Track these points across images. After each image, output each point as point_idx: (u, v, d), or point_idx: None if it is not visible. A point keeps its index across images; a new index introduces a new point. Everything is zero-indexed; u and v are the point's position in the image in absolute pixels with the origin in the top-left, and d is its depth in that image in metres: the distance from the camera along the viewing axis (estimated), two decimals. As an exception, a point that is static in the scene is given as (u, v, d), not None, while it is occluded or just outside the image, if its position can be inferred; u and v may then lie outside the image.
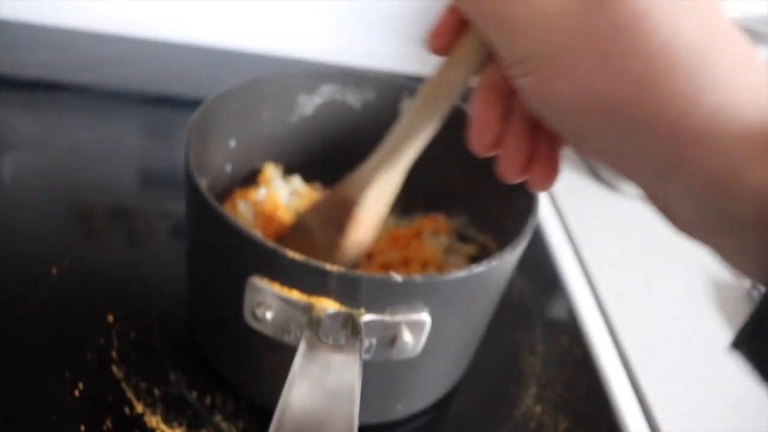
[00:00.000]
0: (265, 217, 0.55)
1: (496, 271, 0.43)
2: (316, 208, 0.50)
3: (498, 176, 0.34)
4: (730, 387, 0.61)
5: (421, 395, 0.51)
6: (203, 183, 0.43)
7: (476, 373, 0.56)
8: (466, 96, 0.37)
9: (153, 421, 0.47)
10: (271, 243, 0.38)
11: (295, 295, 0.39)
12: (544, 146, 0.33)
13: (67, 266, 0.56)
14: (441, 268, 0.57)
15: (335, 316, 0.38)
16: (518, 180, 0.33)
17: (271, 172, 0.60)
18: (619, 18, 0.24)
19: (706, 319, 0.69)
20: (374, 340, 0.40)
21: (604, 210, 0.82)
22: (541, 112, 0.28)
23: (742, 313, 0.70)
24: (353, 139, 0.60)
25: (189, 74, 0.86)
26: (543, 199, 0.81)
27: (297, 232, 0.52)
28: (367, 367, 0.43)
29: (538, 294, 0.67)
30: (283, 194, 0.58)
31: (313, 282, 0.38)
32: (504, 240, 0.44)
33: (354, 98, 0.58)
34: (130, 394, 0.48)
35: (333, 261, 0.42)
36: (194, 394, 0.49)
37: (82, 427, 0.45)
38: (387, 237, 0.58)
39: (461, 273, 0.40)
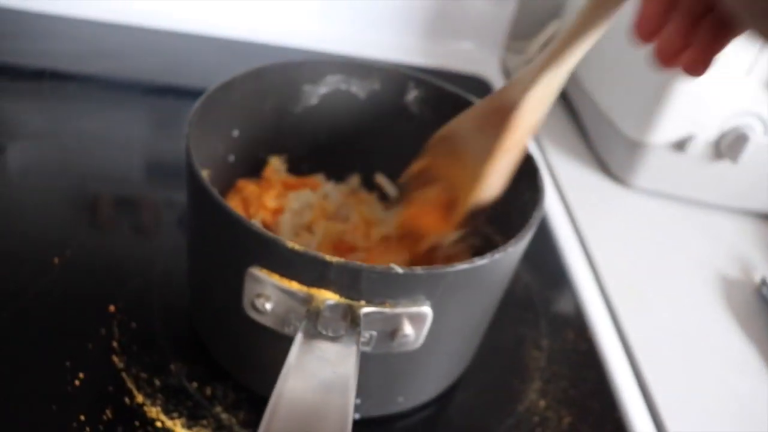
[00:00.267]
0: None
1: (499, 264, 0.43)
2: (468, 116, 0.48)
3: (653, 62, 0.36)
4: (736, 383, 0.61)
5: (423, 388, 0.50)
6: (205, 173, 0.43)
7: (480, 367, 0.55)
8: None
9: (153, 411, 0.47)
10: (270, 233, 0.38)
11: (294, 286, 0.38)
12: (700, 38, 0.35)
13: (70, 256, 0.56)
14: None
15: (335, 307, 0.38)
16: (671, 66, 0.36)
17: (276, 165, 0.59)
18: None
19: (714, 315, 0.68)
20: (375, 333, 0.40)
21: (612, 204, 0.81)
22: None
23: (751, 309, 0.69)
24: (358, 130, 0.60)
25: (195, 64, 0.86)
26: (550, 193, 0.80)
27: (445, 140, 0.50)
28: (368, 360, 0.43)
29: (543, 288, 0.66)
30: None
31: (313, 273, 0.38)
32: (509, 233, 0.44)
33: (359, 88, 0.58)
34: (130, 384, 0.48)
35: (483, 170, 0.45)
36: (195, 384, 0.49)
37: (82, 417, 0.45)
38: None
39: (464, 266, 0.39)
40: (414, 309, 0.39)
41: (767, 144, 0.75)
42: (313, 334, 0.35)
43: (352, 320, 0.37)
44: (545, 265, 0.70)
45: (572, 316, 0.64)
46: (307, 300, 0.38)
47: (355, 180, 0.63)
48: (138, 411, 0.46)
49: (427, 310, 0.40)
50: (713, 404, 0.58)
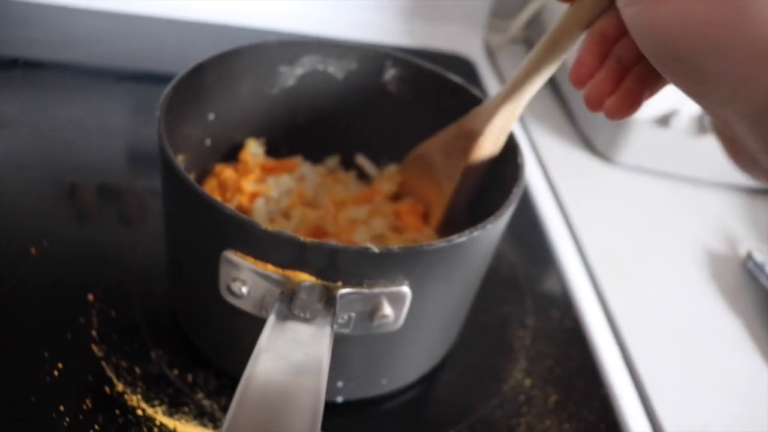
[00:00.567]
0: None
1: (479, 242, 0.42)
2: (438, 140, 0.54)
3: (586, 106, 0.39)
4: (722, 358, 0.61)
5: (406, 370, 0.50)
6: (181, 158, 0.42)
7: (464, 347, 0.55)
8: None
9: (134, 399, 0.46)
10: (243, 216, 0.37)
11: (270, 268, 0.38)
12: (625, 85, 0.37)
13: (47, 245, 0.55)
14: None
15: (311, 289, 0.37)
16: (598, 109, 0.38)
17: (254, 148, 0.59)
18: None
19: (700, 289, 0.68)
20: (353, 314, 0.39)
21: (597, 181, 0.81)
22: (642, 36, 0.31)
23: (736, 284, 0.69)
24: (336, 110, 0.59)
25: (172, 49, 0.85)
26: (535, 171, 0.80)
27: (418, 159, 0.56)
28: (349, 342, 0.42)
29: (528, 267, 0.66)
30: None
31: (288, 255, 0.37)
32: (490, 210, 0.43)
33: (336, 68, 0.57)
34: (110, 373, 0.47)
35: (448, 190, 0.52)
36: (175, 372, 0.48)
37: (62, 408, 0.44)
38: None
39: (441, 243, 0.39)
40: (392, 289, 0.39)
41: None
42: (286, 316, 0.35)
43: (327, 301, 0.37)
44: (530, 243, 0.69)
45: (557, 295, 0.64)
46: (283, 282, 0.37)
47: (333, 161, 0.62)
48: (118, 399, 0.46)
49: (405, 289, 0.39)
50: (700, 379, 0.58)
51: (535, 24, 1.04)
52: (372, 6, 0.99)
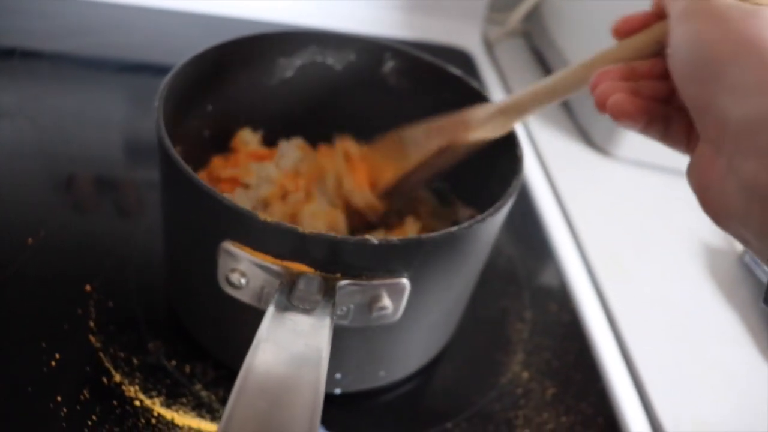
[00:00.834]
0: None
1: (478, 233, 0.42)
2: (425, 125, 0.53)
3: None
4: (718, 351, 0.61)
5: (404, 362, 0.50)
6: (179, 149, 0.42)
7: (462, 340, 0.55)
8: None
9: (131, 390, 0.46)
10: (242, 207, 0.37)
11: (269, 260, 0.38)
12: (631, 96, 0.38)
13: (44, 236, 0.55)
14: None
15: (310, 280, 0.37)
16: (601, 101, 0.38)
17: (246, 136, 0.58)
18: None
19: (697, 284, 0.68)
20: (352, 306, 0.39)
21: (595, 175, 0.81)
22: (681, 46, 0.34)
23: (733, 278, 0.69)
24: (335, 102, 0.59)
25: (170, 40, 0.84)
26: (533, 164, 0.80)
27: (395, 137, 0.55)
28: (347, 334, 0.42)
29: (526, 260, 0.66)
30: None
31: (287, 246, 0.37)
32: (489, 203, 0.43)
33: (335, 60, 0.57)
34: (107, 364, 0.47)
35: (421, 154, 0.51)
36: (173, 363, 0.48)
37: (59, 398, 0.44)
38: None
39: (441, 234, 0.38)
40: (391, 280, 0.39)
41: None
42: (285, 307, 0.35)
43: (326, 292, 0.37)
44: (528, 236, 0.69)
45: (555, 288, 0.64)
46: (282, 274, 0.37)
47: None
48: (116, 390, 0.46)
49: (404, 281, 0.39)
50: (696, 372, 0.58)
51: (533, 17, 1.04)
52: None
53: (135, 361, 0.48)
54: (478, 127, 0.48)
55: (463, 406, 0.51)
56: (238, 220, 0.37)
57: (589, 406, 0.53)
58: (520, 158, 0.47)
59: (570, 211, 0.73)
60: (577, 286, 0.64)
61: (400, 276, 0.39)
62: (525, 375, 0.54)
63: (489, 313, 0.59)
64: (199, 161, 0.56)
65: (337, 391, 0.48)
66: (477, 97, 0.52)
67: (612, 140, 0.82)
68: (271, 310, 0.34)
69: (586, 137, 0.86)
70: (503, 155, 0.49)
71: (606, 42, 0.41)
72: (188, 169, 0.39)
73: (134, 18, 0.86)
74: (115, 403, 0.45)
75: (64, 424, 0.43)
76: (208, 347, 0.49)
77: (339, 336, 0.40)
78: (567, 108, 0.91)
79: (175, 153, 0.40)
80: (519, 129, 0.49)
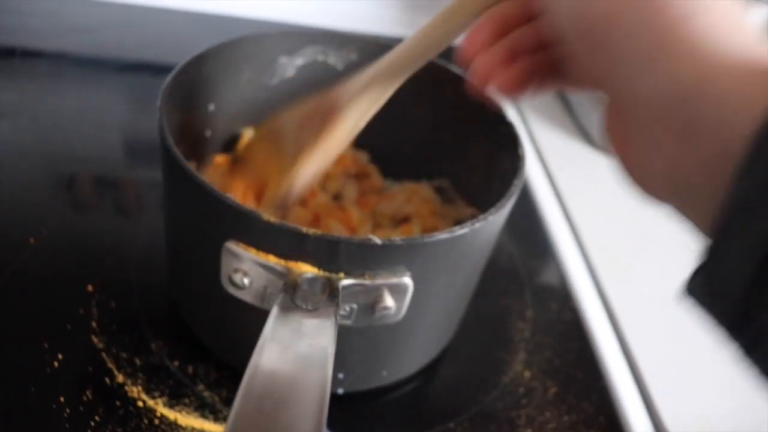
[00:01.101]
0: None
1: (480, 234, 0.42)
2: (295, 112, 0.49)
3: (471, 92, 0.37)
4: (720, 350, 0.61)
5: (406, 361, 0.50)
6: (180, 149, 0.42)
7: (464, 339, 0.55)
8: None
9: (134, 391, 0.46)
10: (246, 207, 0.37)
11: (272, 259, 0.38)
12: (518, 68, 0.35)
13: (46, 236, 0.55)
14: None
15: (313, 280, 0.37)
16: (483, 85, 0.36)
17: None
18: None
19: (698, 282, 0.68)
20: (355, 306, 0.39)
21: (595, 173, 0.81)
22: (557, 8, 0.31)
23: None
24: (336, 102, 0.59)
25: (171, 39, 0.84)
26: (533, 163, 0.80)
27: (269, 132, 0.51)
28: (350, 333, 0.42)
29: (528, 259, 0.66)
30: None
31: (290, 246, 0.37)
32: (490, 202, 0.43)
33: (336, 59, 0.57)
34: (110, 364, 0.47)
35: (297, 168, 0.44)
36: (176, 363, 0.48)
37: (62, 398, 0.44)
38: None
39: (443, 235, 0.39)
40: (394, 280, 0.39)
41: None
42: (289, 307, 0.35)
43: (330, 292, 0.37)
44: (529, 235, 0.69)
45: (556, 287, 0.64)
46: (285, 273, 0.37)
47: None
48: (119, 391, 0.46)
49: (407, 280, 0.39)
50: (698, 371, 0.58)
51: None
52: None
53: (137, 361, 0.48)
54: (349, 107, 0.44)
55: (465, 405, 0.51)
56: (241, 220, 0.37)
57: (590, 404, 0.53)
58: (521, 157, 0.47)
59: (571, 209, 0.73)
60: (577, 284, 0.64)
61: (403, 275, 0.39)
62: (527, 374, 0.54)
63: (490, 311, 0.59)
64: (202, 161, 0.56)
65: (340, 390, 0.48)
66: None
67: (612, 139, 0.82)
68: (275, 310, 0.34)
69: (585, 135, 0.86)
70: (505, 154, 0.49)
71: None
72: (192, 169, 0.39)
73: (135, 17, 0.86)
74: (118, 403, 0.45)
75: (67, 425, 0.43)
76: (211, 347, 0.49)
77: (341, 336, 0.40)
78: (567, 106, 0.91)
79: (179, 153, 0.40)
80: (519, 127, 0.49)
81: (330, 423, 0.46)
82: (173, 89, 0.46)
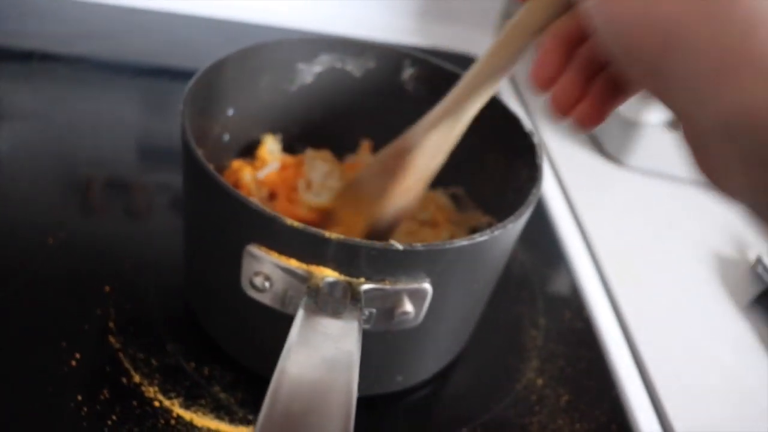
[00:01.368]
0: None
1: (498, 241, 0.42)
2: (372, 163, 0.50)
3: (550, 114, 0.35)
4: (730, 361, 0.61)
5: (421, 367, 0.50)
6: (200, 153, 0.42)
7: (477, 346, 0.55)
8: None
9: (151, 391, 0.46)
10: (268, 210, 0.37)
11: (293, 263, 0.38)
12: (594, 91, 0.35)
13: (64, 237, 0.55)
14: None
15: (334, 284, 0.37)
16: (563, 117, 0.35)
17: (270, 144, 0.59)
18: None
19: (709, 292, 0.68)
20: (374, 310, 0.40)
21: (608, 184, 0.81)
22: (604, 33, 0.29)
23: (746, 288, 0.69)
24: (354, 108, 0.59)
25: (188, 45, 0.85)
26: (546, 173, 0.80)
27: (350, 188, 0.53)
28: (367, 338, 0.42)
29: (540, 267, 0.66)
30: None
31: (312, 250, 0.37)
32: (506, 211, 0.43)
33: (354, 67, 0.57)
34: (127, 365, 0.48)
35: (378, 211, 0.46)
36: (192, 364, 0.49)
37: (79, 398, 0.45)
38: None
39: (463, 242, 0.39)
40: (414, 285, 0.39)
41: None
42: (314, 311, 0.35)
43: (352, 296, 0.37)
44: (542, 244, 0.70)
45: (569, 295, 0.64)
46: (306, 277, 0.38)
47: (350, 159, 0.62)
48: (136, 391, 0.46)
49: (427, 286, 0.39)
50: (709, 382, 0.59)
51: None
52: (384, 5, 0.99)
53: (154, 362, 0.48)
54: (422, 143, 0.45)
55: (478, 412, 0.51)
56: (264, 224, 0.38)
57: (602, 413, 0.53)
58: (539, 167, 0.47)
59: (583, 219, 0.74)
60: (590, 293, 0.64)
61: (423, 281, 0.39)
62: (539, 381, 0.55)
63: (503, 319, 0.59)
64: (220, 165, 0.56)
65: (354, 395, 0.48)
66: (494, 105, 0.52)
67: (624, 149, 0.82)
68: (301, 314, 0.34)
69: (598, 146, 0.87)
70: (522, 163, 0.50)
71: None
72: (215, 173, 0.39)
73: (152, 22, 0.87)
74: (134, 403, 0.45)
75: (84, 424, 0.43)
76: (228, 349, 0.49)
77: (359, 340, 0.40)
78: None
79: (201, 156, 0.40)
80: (535, 137, 0.49)
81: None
82: (194, 93, 0.46)
